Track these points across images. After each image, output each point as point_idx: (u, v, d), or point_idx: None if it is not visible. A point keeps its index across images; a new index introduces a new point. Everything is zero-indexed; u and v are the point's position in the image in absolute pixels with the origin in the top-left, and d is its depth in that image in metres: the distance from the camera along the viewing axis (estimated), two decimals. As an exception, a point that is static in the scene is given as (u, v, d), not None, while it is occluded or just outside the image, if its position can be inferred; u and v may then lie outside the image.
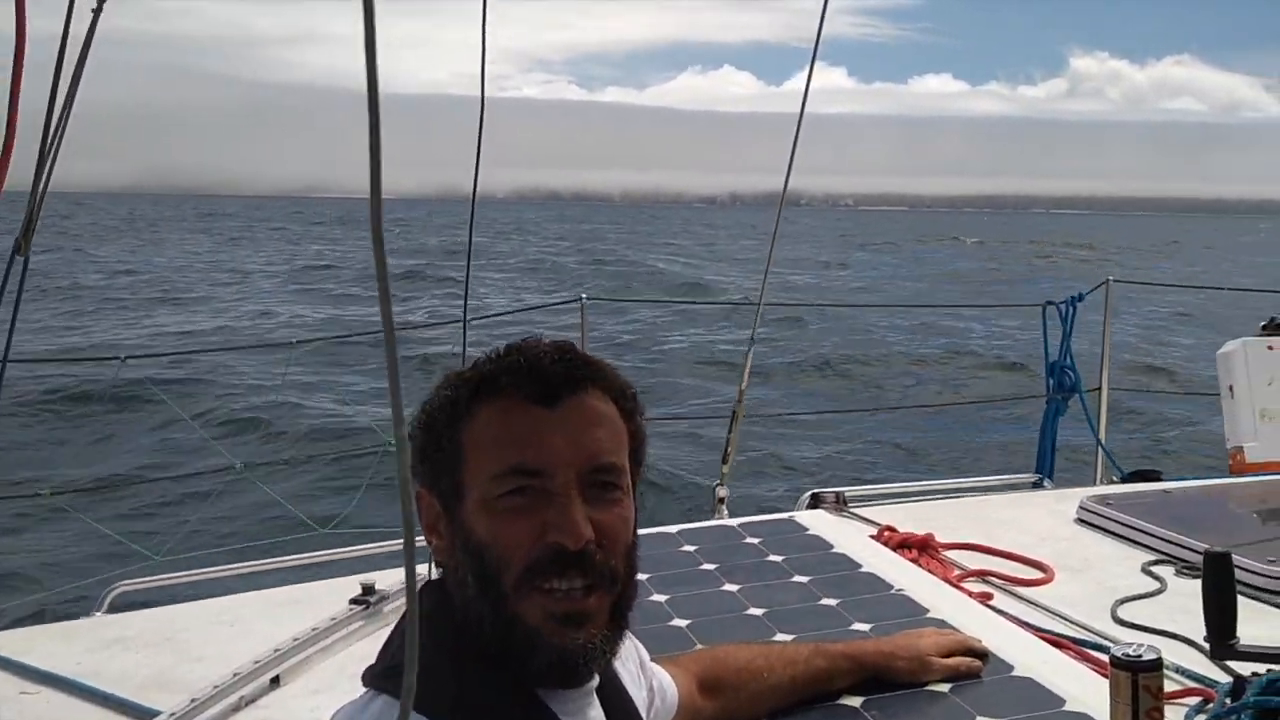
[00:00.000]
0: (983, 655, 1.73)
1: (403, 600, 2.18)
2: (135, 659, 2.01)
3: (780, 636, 1.87)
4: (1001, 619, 1.98)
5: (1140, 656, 1.27)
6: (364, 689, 1.04)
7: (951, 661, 1.69)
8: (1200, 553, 2.41)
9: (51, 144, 1.72)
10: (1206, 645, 1.90)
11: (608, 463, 1.03)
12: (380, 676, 1.02)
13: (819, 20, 3.20)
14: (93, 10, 1.72)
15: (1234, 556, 2.26)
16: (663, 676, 1.38)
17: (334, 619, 2.05)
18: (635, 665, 1.26)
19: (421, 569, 2.28)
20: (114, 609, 2.38)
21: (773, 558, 2.34)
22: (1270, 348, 3.94)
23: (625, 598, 1.05)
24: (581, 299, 4.34)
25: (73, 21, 1.71)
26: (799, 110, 3.15)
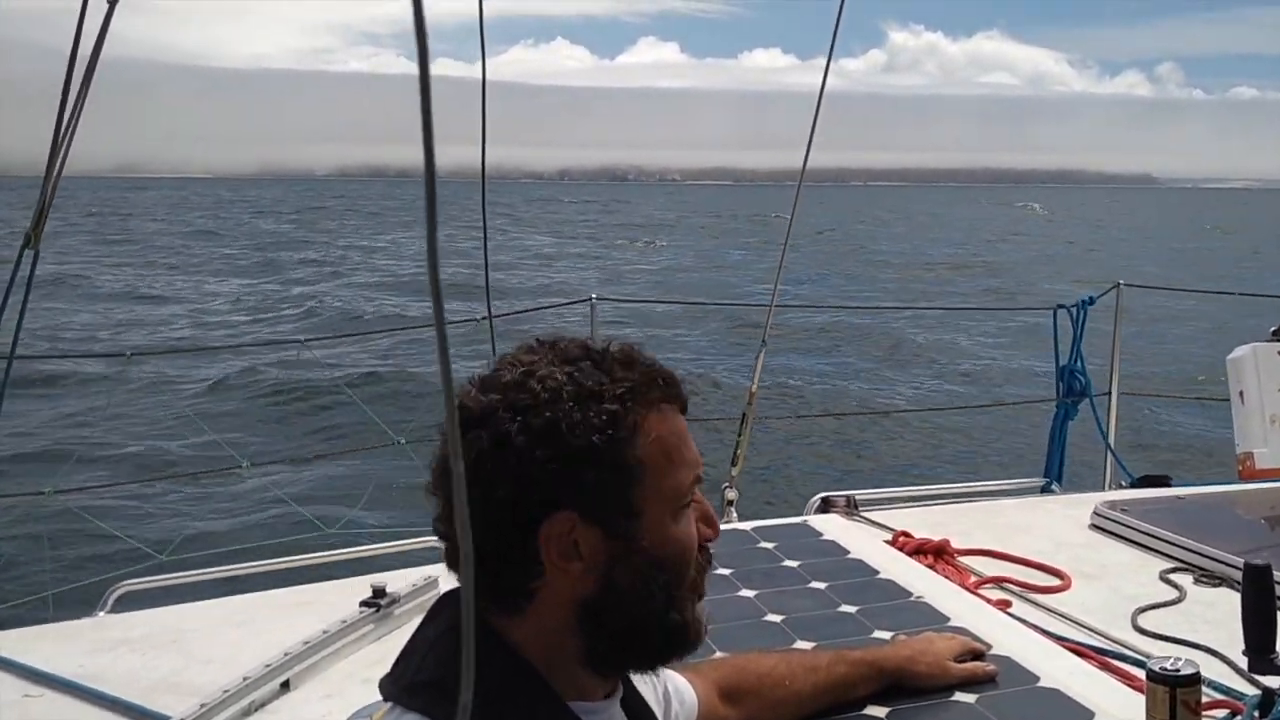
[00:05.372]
0: (980, 656, 1.72)
1: (414, 604, 2.14)
2: (141, 661, 1.98)
3: (800, 644, 1.84)
4: (1024, 627, 1.95)
5: (1179, 670, 1.23)
6: (381, 700, 1.01)
7: (970, 666, 1.67)
8: (1218, 560, 2.40)
9: (65, 136, 1.70)
10: (1229, 656, 1.88)
11: None
12: (408, 692, 0.97)
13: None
14: (108, 1, 1.69)
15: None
16: (677, 680, 1.35)
17: (344, 622, 2.01)
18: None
19: (430, 570, 2.25)
20: (117, 609, 2.34)
21: (788, 563, 2.31)
22: (1281, 353, 3.90)
23: None
24: (591, 299, 4.30)
25: (87, 15, 1.68)
26: (820, 89, 3.10)
